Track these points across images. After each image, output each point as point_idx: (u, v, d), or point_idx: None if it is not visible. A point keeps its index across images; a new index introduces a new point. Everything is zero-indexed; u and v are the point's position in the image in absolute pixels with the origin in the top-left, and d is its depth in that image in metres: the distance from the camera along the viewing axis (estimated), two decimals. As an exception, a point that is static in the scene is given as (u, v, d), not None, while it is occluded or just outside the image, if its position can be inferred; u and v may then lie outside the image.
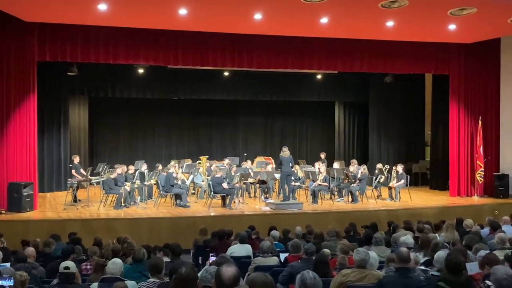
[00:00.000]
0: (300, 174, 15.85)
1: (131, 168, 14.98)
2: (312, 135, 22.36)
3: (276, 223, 11.16)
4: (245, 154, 18.43)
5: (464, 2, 12.01)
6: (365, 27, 13.92)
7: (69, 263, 5.48)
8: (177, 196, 14.02)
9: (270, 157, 18.33)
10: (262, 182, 15.09)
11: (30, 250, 7.42)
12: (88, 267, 7.15)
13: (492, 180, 16.04)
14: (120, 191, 13.42)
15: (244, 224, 11.30)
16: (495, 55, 16.25)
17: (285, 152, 14.07)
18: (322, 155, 17.82)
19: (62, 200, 14.11)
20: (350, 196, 14.97)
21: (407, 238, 7.79)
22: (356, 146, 21.71)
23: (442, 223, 10.06)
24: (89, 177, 14.64)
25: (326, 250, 7.37)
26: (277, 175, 14.87)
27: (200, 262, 8.55)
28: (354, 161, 16.30)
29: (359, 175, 14.99)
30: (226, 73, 18.79)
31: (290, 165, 14.16)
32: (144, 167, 15.13)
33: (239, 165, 16.65)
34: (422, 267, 6.31)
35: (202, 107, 20.50)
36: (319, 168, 15.42)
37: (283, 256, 7.61)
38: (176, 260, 7.04)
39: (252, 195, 16.04)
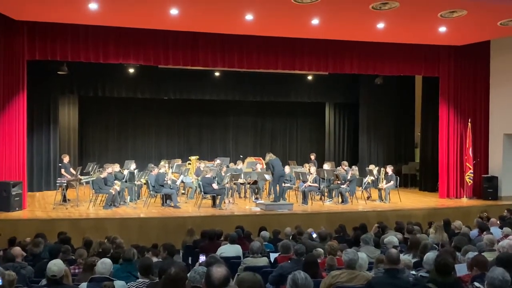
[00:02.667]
0: (291, 174, 15.85)
1: (117, 166, 14.93)
2: (302, 136, 22.34)
3: (266, 224, 11.17)
4: (241, 156, 18.35)
5: (454, 4, 12.06)
6: (355, 28, 13.96)
7: (55, 269, 5.31)
8: (167, 196, 13.99)
9: (261, 158, 18.30)
10: (254, 182, 15.09)
11: (17, 249, 7.34)
12: (77, 271, 7.09)
13: (481, 182, 16.12)
14: (110, 190, 13.37)
15: (234, 224, 11.29)
16: (484, 58, 16.35)
17: (272, 156, 14.18)
18: (312, 156, 17.82)
19: (52, 199, 14.03)
20: (340, 197, 14.99)
21: (391, 237, 7.81)
22: (346, 147, 21.71)
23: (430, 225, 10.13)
24: (79, 176, 14.53)
25: (318, 250, 7.38)
26: (268, 176, 14.87)
27: (190, 262, 8.53)
28: (345, 163, 16.32)
29: (349, 176, 15.03)
30: (216, 73, 18.77)
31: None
32: (133, 167, 15.07)
33: (228, 166, 16.64)
34: (413, 272, 6.33)
35: (193, 107, 20.46)
36: (309, 169, 15.45)
37: (273, 256, 7.62)
38: (167, 260, 7.01)
39: (242, 195, 16.04)
